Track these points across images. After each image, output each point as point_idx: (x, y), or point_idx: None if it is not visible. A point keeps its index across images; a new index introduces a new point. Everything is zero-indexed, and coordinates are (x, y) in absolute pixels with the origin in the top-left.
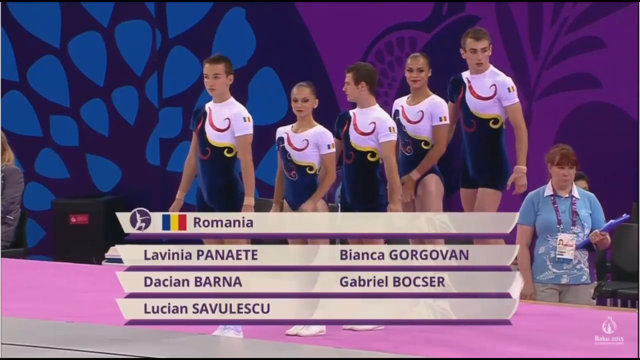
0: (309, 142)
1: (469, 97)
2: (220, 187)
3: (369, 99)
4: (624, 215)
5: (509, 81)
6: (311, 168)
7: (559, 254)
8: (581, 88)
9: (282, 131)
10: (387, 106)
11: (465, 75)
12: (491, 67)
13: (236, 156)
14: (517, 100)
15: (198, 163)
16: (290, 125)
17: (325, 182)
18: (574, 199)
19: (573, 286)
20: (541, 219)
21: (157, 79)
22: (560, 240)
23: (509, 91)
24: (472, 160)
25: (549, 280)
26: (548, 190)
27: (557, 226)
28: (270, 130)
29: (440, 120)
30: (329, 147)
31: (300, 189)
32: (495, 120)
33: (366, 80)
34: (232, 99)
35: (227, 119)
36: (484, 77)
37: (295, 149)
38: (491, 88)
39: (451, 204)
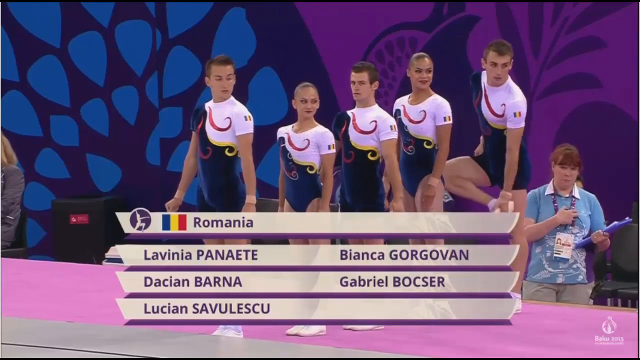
0: (309, 142)
1: (484, 106)
2: (221, 186)
3: (372, 98)
4: (627, 218)
5: (518, 105)
6: (311, 168)
7: (556, 253)
8: (581, 88)
9: (282, 131)
10: (387, 106)
11: (484, 79)
12: (508, 81)
13: (237, 155)
14: (520, 125)
15: (199, 163)
16: (291, 125)
17: (327, 185)
18: (573, 199)
19: (569, 286)
20: (540, 217)
21: (157, 79)
22: (559, 239)
23: (515, 116)
24: (493, 159)
25: (545, 280)
26: (549, 189)
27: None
28: (271, 130)
29: (445, 120)
30: (329, 147)
31: (300, 189)
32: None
33: (377, 80)
34: (232, 98)
35: (228, 118)
36: (499, 91)
37: (296, 148)
38: (501, 107)
39: (456, 202)
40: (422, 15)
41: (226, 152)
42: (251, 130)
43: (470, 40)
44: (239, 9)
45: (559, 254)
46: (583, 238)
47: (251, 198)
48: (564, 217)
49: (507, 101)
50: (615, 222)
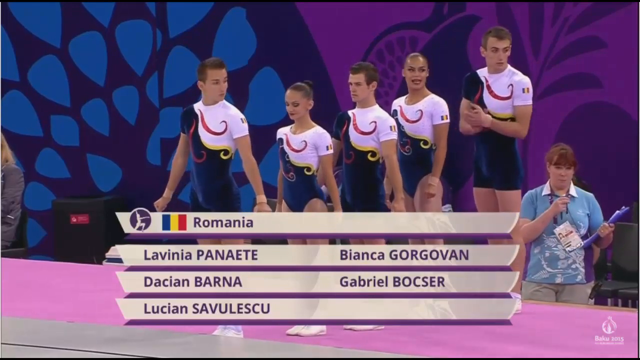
0: (307, 143)
1: (487, 97)
2: (217, 189)
3: (372, 99)
4: (624, 207)
5: (525, 81)
6: (309, 169)
7: (567, 246)
8: (581, 88)
9: (281, 132)
10: (387, 106)
11: (483, 73)
12: (509, 67)
13: (231, 158)
14: (530, 102)
15: (193, 166)
16: (290, 127)
17: (331, 187)
18: (570, 197)
19: (568, 286)
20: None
21: (158, 78)
22: (559, 234)
23: (524, 92)
24: (486, 160)
25: (544, 280)
26: (546, 189)
27: (553, 225)
28: (270, 130)
29: (442, 119)
30: (327, 148)
31: (298, 190)
32: (512, 120)
33: (375, 80)
34: (223, 101)
35: (224, 122)
36: (502, 77)
37: (293, 150)
38: (508, 88)
39: (456, 202)
40: (422, 15)
41: (221, 156)
42: (247, 132)
43: (470, 40)
44: (239, 9)
45: (570, 245)
46: (582, 238)
47: (261, 197)
48: (555, 207)
49: (513, 80)
50: (618, 211)
